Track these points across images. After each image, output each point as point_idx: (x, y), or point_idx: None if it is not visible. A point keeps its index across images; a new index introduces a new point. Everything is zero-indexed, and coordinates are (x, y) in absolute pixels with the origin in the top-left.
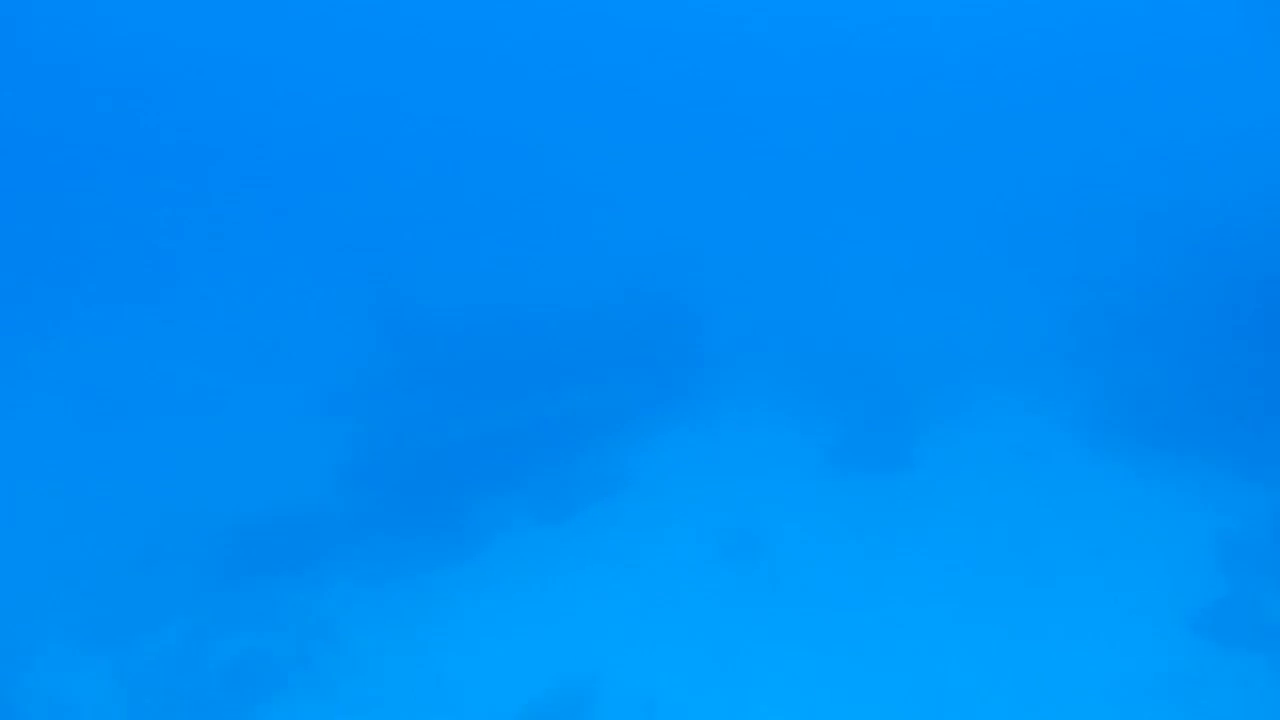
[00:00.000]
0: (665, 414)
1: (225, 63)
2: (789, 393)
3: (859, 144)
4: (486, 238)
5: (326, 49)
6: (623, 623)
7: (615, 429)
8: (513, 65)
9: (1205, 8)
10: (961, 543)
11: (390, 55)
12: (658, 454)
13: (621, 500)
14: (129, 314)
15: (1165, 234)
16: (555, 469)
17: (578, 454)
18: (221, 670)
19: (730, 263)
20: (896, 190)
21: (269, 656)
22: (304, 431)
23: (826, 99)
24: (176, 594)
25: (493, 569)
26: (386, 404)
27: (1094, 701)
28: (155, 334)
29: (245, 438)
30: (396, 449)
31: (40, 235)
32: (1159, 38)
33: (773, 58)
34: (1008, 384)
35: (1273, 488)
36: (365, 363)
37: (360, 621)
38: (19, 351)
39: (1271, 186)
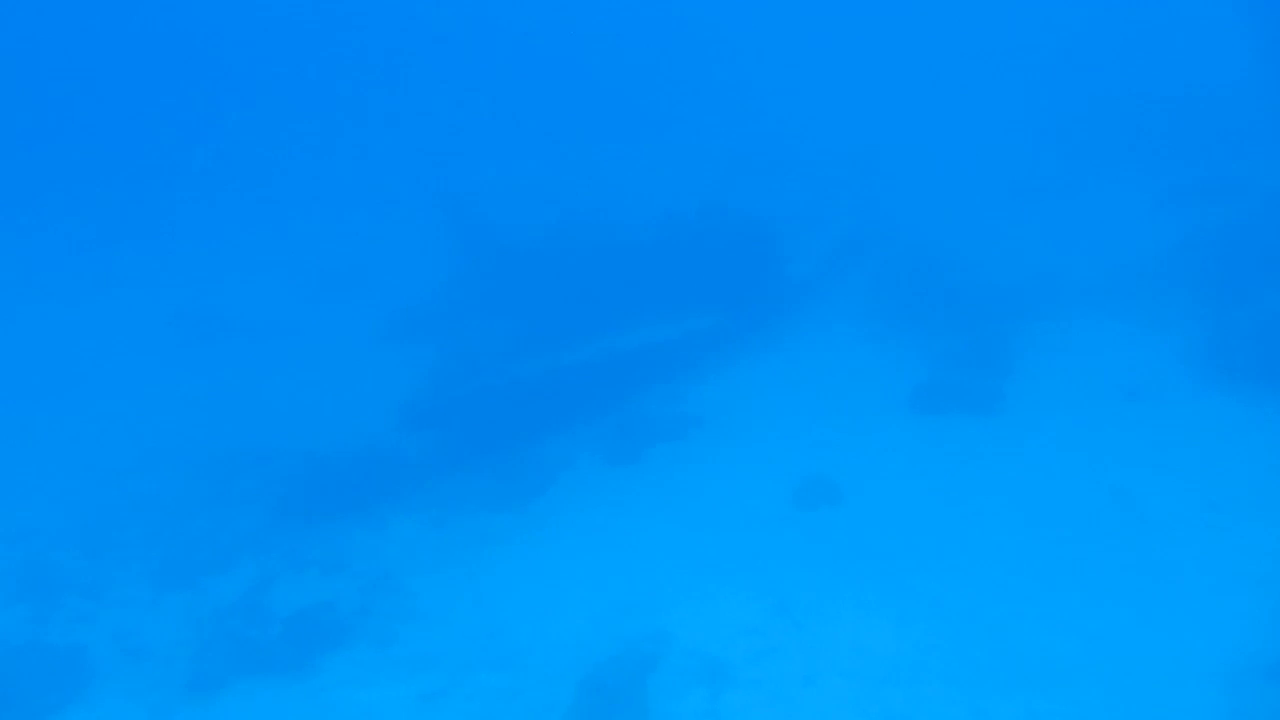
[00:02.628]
0: (741, 346)
1: None
2: (873, 323)
3: (948, 46)
4: (556, 150)
5: None
6: (690, 574)
7: (688, 362)
8: None
9: None
10: (1057, 495)
11: None
12: (732, 390)
13: (692, 440)
14: (197, 234)
15: None
16: (624, 405)
17: (649, 390)
18: (285, 618)
19: (812, 178)
20: (994, 97)
21: (332, 606)
22: (370, 361)
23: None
24: (245, 534)
25: (556, 512)
26: (452, 332)
27: (1192, 686)
28: (222, 254)
29: (312, 366)
30: (461, 381)
31: (96, 146)
32: None
33: None
34: (1113, 312)
35: None
36: (430, 288)
37: (423, 568)
38: (82, 268)
39: None
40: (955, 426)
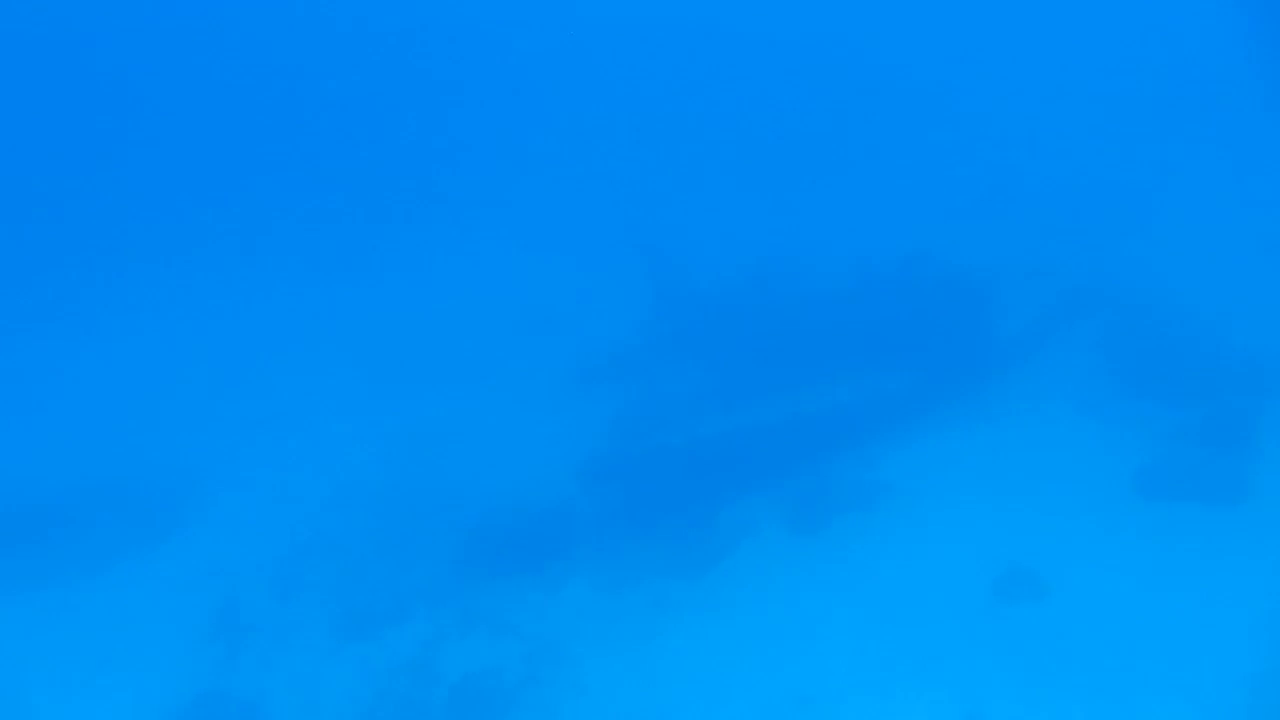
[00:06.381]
0: (940, 413)
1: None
2: (1093, 392)
3: (1188, 72)
4: (755, 193)
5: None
6: (873, 665)
7: (882, 428)
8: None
9: None
10: None
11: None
12: (929, 460)
13: (883, 513)
14: (391, 273)
15: None
16: (812, 471)
17: (839, 455)
18: (453, 683)
19: (1028, 224)
20: (1240, 133)
21: (499, 672)
22: (556, 409)
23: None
24: (422, 584)
25: (734, 583)
26: (640, 382)
27: None
28: (416, 295)
29: (499, 412)
30: (645, 436)
31: (302, 182)
32: None
33: None
34: None
35: None
36: (621, 335)
37: (592, 636)
38: (278, 307)
39: None
40: (1187, 517)
